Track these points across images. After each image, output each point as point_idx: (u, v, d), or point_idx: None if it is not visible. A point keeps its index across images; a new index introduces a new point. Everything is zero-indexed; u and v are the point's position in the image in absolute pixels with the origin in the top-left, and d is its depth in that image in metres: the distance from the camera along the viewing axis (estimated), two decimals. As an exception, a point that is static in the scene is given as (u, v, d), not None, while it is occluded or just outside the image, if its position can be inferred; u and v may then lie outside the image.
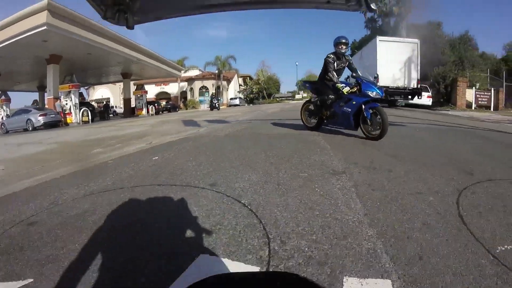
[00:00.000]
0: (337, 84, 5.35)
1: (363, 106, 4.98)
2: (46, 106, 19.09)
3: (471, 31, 37.71)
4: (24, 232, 2.21)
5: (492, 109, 18.05)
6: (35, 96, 31.71)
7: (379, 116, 4.81)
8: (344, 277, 1.36)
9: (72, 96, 17.92)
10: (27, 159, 5.66)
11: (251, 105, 39.66)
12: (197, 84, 41.84)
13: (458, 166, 3.37)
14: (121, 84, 35.76)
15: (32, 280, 1.57)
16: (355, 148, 4.49)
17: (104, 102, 32.19)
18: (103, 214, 2.29)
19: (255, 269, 1.44)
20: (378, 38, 18.89)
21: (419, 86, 17.18)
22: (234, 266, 1.47)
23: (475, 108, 18.14)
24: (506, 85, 19.34)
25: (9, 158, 5.91)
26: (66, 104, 17.77)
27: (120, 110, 35.14)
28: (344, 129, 5.80)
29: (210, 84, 41.33)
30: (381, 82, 16.89)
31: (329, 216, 2.00)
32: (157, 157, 4.37)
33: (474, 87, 18.94)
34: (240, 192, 2.55)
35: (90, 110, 19.08)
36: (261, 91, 46.29)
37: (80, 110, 18.05)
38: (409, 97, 16.94)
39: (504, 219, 2.02)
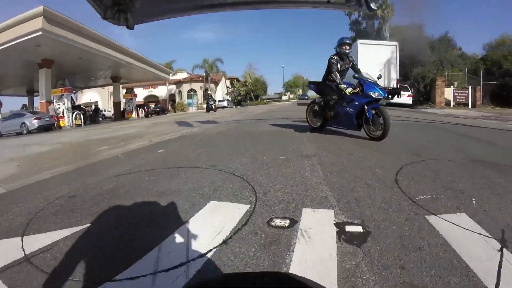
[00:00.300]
0: (339, 85, 5.35)
1: (365, 107, 5.00)
2: (37, 110, 19.37)
3: (454, 32, 39.32)
4: (69, 201, 2.89)
5: (470, 106, 19.07)
6: (23, 100, 31.71)
7: (381, 117, 4.85)
8: (303, 208, 2.15)
9: (65, 100, 18.27)
10: (38, 156, 6.25)
11: (238, 107, 40.42)
12: (185, 87, 42.30)
13: (411, 150, 4.23)
14: (110, 87, 35.94)
15: (89, 224, 2.27)
16: (329, 140, 5.32)
17: (94, 106, 32.29)
18: (132, 186, 3.03)
19: (246, 206, 2.22)
20: (359, 41, 20.01)
21: (398, 86, 18.22)
22: (234, 206, 2.25)
23: (453, 105, 19.16)
24: (484, 83, 20.35)
25: (20, 156, 6.44)
26: (59, 107, 18.11)
27: (108, 113, 35.16)
28: (347, 130, 5.78)
29: (198, 86, 41.88)
30: (362, 83, 18.35)
31: (298, 181, 2.82)
32: (161, 150, 5.11)
33: (452, 86, 20.07)
34: (234, 169, 3.35)
35: (82, 114, 19.43)
36: (248, 93, 46.99)
37: (73, 114, 18.40)
38: (389, 96, 17.94)
39: (432, 183, 2.81)
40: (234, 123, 10.09)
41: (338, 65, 5.57)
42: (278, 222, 1.95)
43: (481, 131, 6.80)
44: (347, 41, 5.64)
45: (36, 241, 2.07)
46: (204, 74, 40.15)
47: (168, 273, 1.49)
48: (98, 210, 2.53)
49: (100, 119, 29.08)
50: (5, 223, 2.42)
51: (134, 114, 27.54)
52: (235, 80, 53.05)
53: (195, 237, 1.79)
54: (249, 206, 2.24)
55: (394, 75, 19.58)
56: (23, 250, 1.96)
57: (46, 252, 1.91)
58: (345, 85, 5.32)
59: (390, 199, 2.40)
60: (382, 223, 1.99)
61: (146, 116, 28.44)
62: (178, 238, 1.81)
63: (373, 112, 4.93)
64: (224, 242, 1.73)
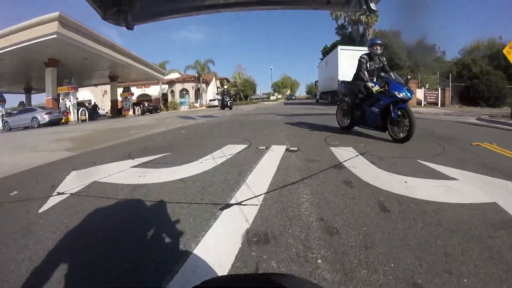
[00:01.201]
0: (367, 83, 5.42)
1: (391, 107, 4.96)
2: (44, 105, 21.08)
3: (437, 37, 41.58)
4: (144, 149, 5.08)
5: (439, 105, 21.24)
6: (18, 97, 32.99)
7: (407, 118, 4.74)
8: (273, 145, 4.54)
9: (71, 97, 20.11)
10: (81, 137, 8.15)
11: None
12: (178, 87, 44.09)
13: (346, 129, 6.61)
14: (103, 86, 37.59)
15: (169, 153, 4.54)
16: (298, 124, 7.70)
17: (93, 103, 33.84)
18: (181, 144, 5.38)
19: (246, 145, 4.56)
20: (339, 47, 22.27)
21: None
22: (240, 145, 4.63)
23: (424, 105, 21.31)
24: (454, 85, 22.64)
25: (65, 138, 8.24)
26: (66, 104, 19.93)
27: (102, 111, 36.35)
28: (373, 131, 5.70)
29: (190, 86, 43.76)
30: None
31: (272, 138, 5.31)
32: (184, 131, 7.42)
33: (423, 87, 22.51)
34: (239, 135, 5.82)
35: (86, 110, 21.32)
36: (238, 93, 49.15)
37: (78, 110, 20.25)
38: None
39: (345, 140, 5.19)
40: (229, 117, 12.46)
41: (368, 65, 5.67)
42: (261, 147, 4.38)
43: (425, 122, 8.76)
44: (379, 42, 5.73)
45: (141, 159, 4.19)
46: (196, 75, 42.02)
47: (218, 161, 3.81)
48: (170, 149, 4.82)
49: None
50: (111, 156, 4.56)
51: (130, 112, 29.37)
52: (225, 80, 55.08)
53: (226, 151, 4.17)
54: (247, 145, 4.68)
55: (371, 77, 22.06)
56: (136, 160, 4.10)
57: (151, 162, 4.05)
58: (372, 84, 5.38)
59: (317, 144, 4.82)
60: (307, 148, 4.38)
61: (142, 113, 30.17)
62: (218, 152, 4.20)
63: (399, 112, 4.87)
64: (238, 153, 4.11)
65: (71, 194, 2.89)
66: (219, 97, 46.95)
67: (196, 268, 1.49)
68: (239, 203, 2.25)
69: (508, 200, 2.31)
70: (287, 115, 11.13)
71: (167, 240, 1.79)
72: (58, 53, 19.07)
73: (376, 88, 5.25)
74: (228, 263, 1.50)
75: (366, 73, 5.57)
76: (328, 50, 38.28)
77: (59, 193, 2.93)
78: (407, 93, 4.87)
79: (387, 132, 5.18)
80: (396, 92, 4.88)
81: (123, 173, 3.48)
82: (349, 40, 42.06)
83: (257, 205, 2.21)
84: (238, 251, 1.60)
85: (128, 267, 1.54)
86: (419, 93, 22.27)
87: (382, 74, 5.50)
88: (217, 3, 0.95)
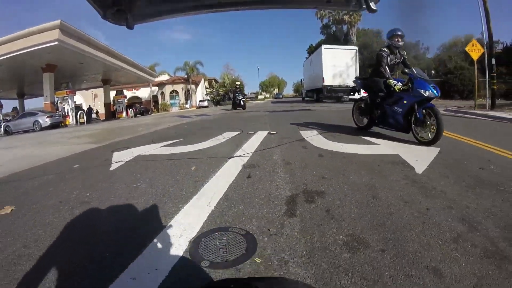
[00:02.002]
0: (388, 80, 4.97)
1: (416, 106, 4.50)
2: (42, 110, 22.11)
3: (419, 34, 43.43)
4: (162, 136, 6.63)
5: None
6: (11, 103, 33.51)
7: (433, 118, 4.27)
8: (258, 131, 6.22)
9: (69, 101, 21.24)
10: (97, 134, 9.55)
11: (218, 106, 44.10)
12: (168, 88, 45.11)
13: (318, 120, 8.30)
14: (93, 90, 38.31)
15: (183, 139, 6.13)
16: (278, 117, 9.36)
17: (89, 106, 34.67)
18: (186, 134, 6.92)
19: (239, 131, 6.19)
20: (323, 46, 23.23)
21: (357, 84, 21.94)
22: (235, 132, 6.27)
23: None
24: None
25: (81, 135, 9.66)
26: (64, 108, 21.04)
27: (94, 115, 36.89)
28: (395, 132, 5.15)
29: (179, 88, 44.86)
30: (327, 82, 21.42)
31: (259, 127, 7.00)
32: (187, 126, 8.99)
33: None
34: (231, 127, 7.39)
35: (84, 113, 22.46)
36: (226, 93, 50.42)
37: (76, 113, 21.38)
38: (351, 93, 21.56)
39: (312, 126, 6.85)
40: (221, 115, 14.09)
41: (388, 59, 5.19)
42: (250, 132, 6.07)
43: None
44: (399, 33, 5.18)
45: (164, 143, 5.69)
46: (186, 76, 43.16)
47: (221, 140, 5.41)
48: (182, 137, 6.41)
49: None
50: (137, 143, 6.12)
51: (124, 114, 30.39)
52: (213, 80, 56.31)
53: (225, 135, 5.82)
54: (240, 131, 6.37)
55: (354, 75, 23.66)
56: (160, 144, 5.67)
57: (172, 144, 5.61)
58: (394, 81, 4.94)
59: (291, 129, 6.49)
60: (283, 132, 6.06)
61: (135, 115, 31.13)
62: (220, 136, 5.84)
63: (424, 112, 4.43)
64: (234, 136, 5.78)
65: (126, 161, 4.37)
66: (209, 98, 48.62)
67: (219, 178, 3.09)
68: (238, 156, 3.95)
69: (408, 153, 3.71)
70: (273, 112, 12.83)
71: (203, 171, 3.42)
72: (56, 58, 19.89)
73: (399, 86, 4.80)
74: (235, 174, 3.15)
75: (387, 68, 5.10)
76: (313, 49, 39.08)
77: (116, 162, 4.37)
78: (434, 91, 4.39)
79: (410, 133, 4.67)
80: (422, 91, 4.42)
81: (156, 150, 5.06)
82: (333, 39, 43.95)
83: (248, 156, 3.90)
84: (239, 171, 3.26)
85: (187, 178, 3.17)
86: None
87: (406, 70, 5.00)
88: (217, 3, 0.96)
